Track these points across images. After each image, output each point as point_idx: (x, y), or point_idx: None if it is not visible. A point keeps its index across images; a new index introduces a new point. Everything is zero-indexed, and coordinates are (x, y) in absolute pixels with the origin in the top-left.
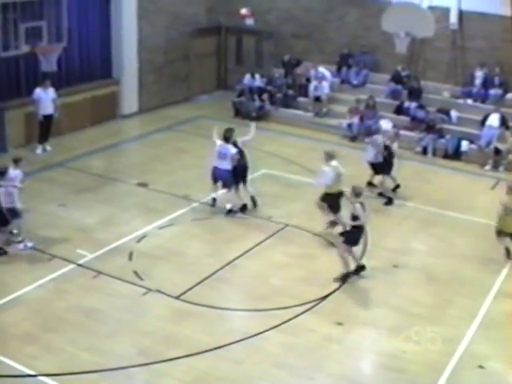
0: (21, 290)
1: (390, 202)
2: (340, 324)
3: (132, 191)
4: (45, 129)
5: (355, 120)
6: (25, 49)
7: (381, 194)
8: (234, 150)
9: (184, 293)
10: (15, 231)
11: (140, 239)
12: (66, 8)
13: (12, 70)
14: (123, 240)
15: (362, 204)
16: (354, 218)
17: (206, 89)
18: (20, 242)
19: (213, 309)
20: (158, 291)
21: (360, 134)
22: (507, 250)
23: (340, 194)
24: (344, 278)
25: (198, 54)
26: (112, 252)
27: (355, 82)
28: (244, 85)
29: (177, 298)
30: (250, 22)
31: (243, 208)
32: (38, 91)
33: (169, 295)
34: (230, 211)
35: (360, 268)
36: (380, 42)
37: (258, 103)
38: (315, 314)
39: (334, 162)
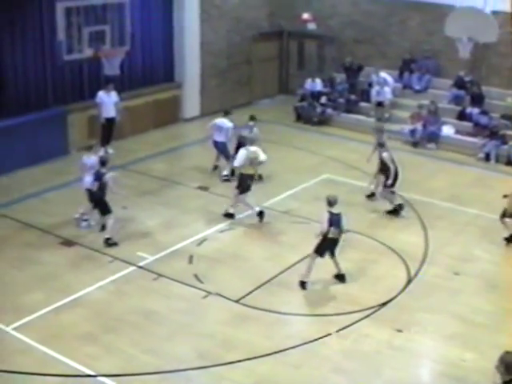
0: (82, 291)
1: (395, 211)
2: (399, 331)
3: (193, 194)
4: (107, 132)
5: (418, 126)
6: (88, 52)
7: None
8: (229, 124)
9: (243, 297)
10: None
11: (200, 242)
12: (128, 12)
13: (75, 73)
14: (184, 243)
15: (337, 215)
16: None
17: (268, 93)
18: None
19: (272, 313)
20: (218, 294)
21: (423, 139)
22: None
23: (250, 177)
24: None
25: (260, 58)
26: (172, 255)
27: (417, 88)
28: (305, 89)
29: (236, 301)
30: (311, 26)
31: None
32: (101, 94)
33: (228, 299)
34: (226, 176)
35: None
36: (443, 47)
37: (319, 109)
38: (374, 320)
39: (253, 148)
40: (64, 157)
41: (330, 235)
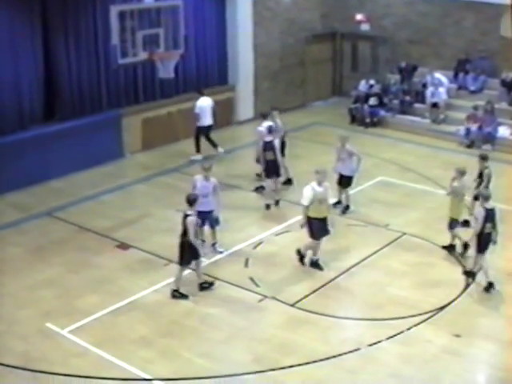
0: (137, 295)
1: None
2: (458, 336)
3: (248, 197)
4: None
5: (473, 127)
6: (142, 56)
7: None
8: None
9: (299, 300)
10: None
11: (256, 245)
12: (182, 15)
13: (129, 76)
14: (239, 246)
15: (491, 210)
16: None
17: (321, 95)
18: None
19: (328, 317)
20: (274, 298)
21: (478, 141)
22: (465, 244)
23: (323, 221)
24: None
25: (314, 59)
26: (228, 258)
27: (472, 88)
28: (359, 91)
29: (292, 305)
30: (365, 27)
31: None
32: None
33: (284, 302)
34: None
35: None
36: (498, 47)
37: (368, 110)
38: (432, 325)
39: (322, 186)
40: (119, 160)
41: (487, 230)
